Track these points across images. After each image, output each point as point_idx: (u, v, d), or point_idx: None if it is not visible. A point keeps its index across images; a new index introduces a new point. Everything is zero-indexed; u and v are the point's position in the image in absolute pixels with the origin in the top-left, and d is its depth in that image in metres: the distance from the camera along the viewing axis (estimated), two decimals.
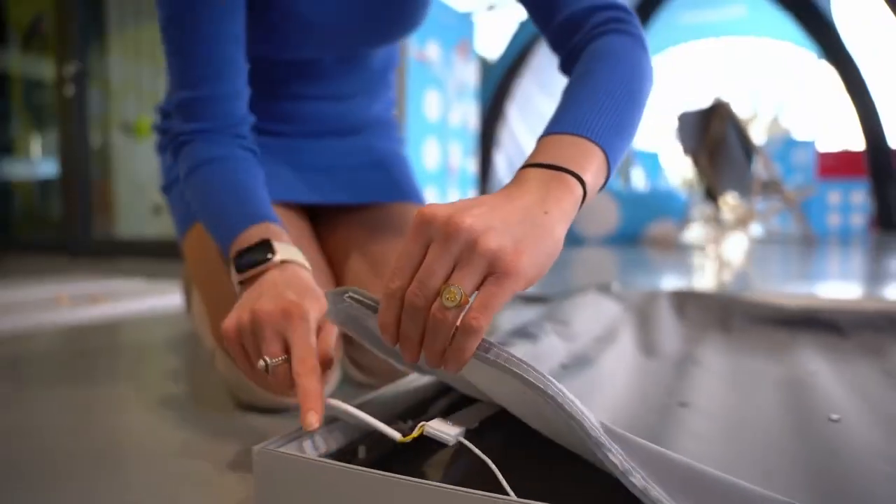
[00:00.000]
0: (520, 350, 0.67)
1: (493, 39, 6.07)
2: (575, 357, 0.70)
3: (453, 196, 4.39)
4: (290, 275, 0.53)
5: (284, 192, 0.78)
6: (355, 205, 0.85)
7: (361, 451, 0.44)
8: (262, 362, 0.46)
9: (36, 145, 4.27)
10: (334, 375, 0.72)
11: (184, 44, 0.62)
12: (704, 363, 0.73)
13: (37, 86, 4.12)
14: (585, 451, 0.37)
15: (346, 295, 0.41)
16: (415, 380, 0.58)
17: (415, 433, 0.38)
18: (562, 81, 0.59)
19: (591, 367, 0.67)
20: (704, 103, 4.15)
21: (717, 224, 4.58)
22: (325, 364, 0.48)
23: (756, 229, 5.20)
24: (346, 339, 0.76)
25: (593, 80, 0.52)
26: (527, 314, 0.90)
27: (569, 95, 0.52)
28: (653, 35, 6.05)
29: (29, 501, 0.45)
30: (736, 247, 3.79)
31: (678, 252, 3.40)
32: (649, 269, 2.47)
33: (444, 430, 0.37)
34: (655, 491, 0.31)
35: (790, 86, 16.19)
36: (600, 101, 0.49)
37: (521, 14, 5.21)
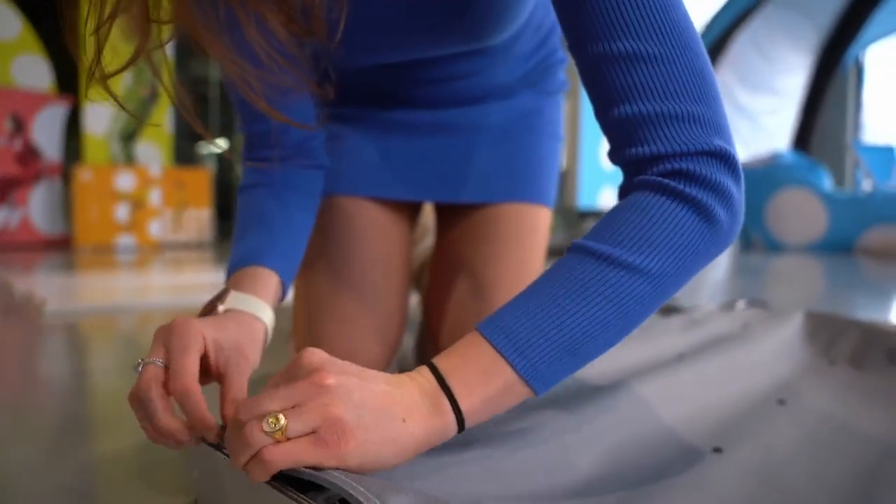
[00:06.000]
0: None
1: None
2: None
3: None
4: (224, 319, 0.50)
5: (374, 188, 0.74)
6: (464, 204, 0.76)
7: None
8: (137, 362, 0.43)
9: None
10: None
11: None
12: (796, 402, 0.61)
13: None
14: None
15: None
16: None
17: None
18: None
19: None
20: None
21: None
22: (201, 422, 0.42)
23: None
24: None
25: (569, 277, 0.41)
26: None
27: (535, 284, 0.42)
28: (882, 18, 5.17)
29: None
30: None
31: None
32: (864, 283, 2.12)
33: None
34: None
35: None
36: (556, 314, 0.39)
37: None
